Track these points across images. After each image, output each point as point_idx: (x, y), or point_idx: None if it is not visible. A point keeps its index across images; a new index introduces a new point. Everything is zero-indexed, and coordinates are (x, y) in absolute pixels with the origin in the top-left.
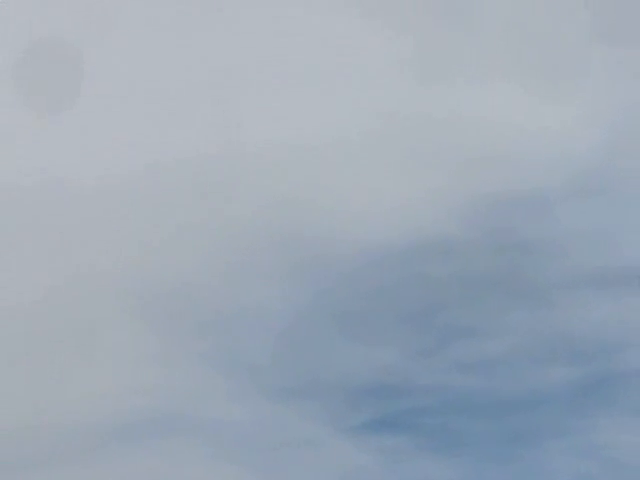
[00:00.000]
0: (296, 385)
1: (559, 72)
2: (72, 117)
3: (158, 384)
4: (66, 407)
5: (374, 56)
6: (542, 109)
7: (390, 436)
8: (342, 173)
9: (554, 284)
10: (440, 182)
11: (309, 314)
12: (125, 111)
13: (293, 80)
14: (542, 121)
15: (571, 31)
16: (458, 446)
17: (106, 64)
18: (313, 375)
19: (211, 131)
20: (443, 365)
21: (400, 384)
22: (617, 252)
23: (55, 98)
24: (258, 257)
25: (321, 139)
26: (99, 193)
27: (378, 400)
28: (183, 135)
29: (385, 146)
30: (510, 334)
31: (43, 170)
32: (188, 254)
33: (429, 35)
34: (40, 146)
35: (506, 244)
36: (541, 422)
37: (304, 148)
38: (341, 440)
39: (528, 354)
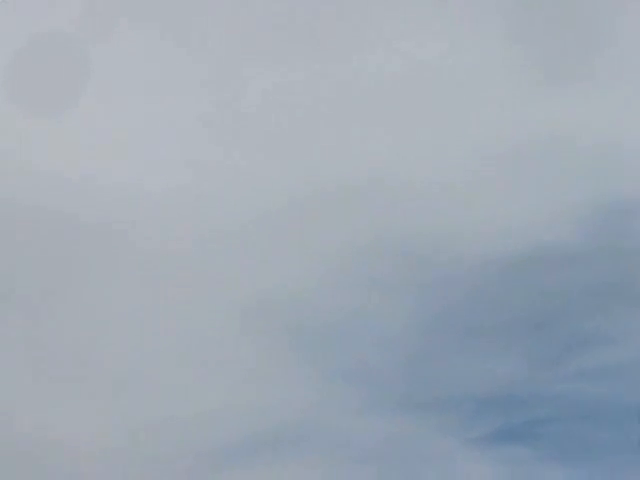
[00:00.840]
0: (421, 398)
1: None
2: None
3: (288, 399)
4: (178, 427)
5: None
6: None
7: (515, 446)
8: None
9: None
10: (559, 190)
11: (432, 327)
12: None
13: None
14: None
15: None
16: (583, 455)
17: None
18: (437, 388)
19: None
20: (567, 374)
21: (524, 394)
22: None
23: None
24: (380, 272)
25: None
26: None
27: (502, 411)
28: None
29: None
30: (634, 341)
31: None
32: (325, 274)
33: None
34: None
35: (627, 250)
36: None
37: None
38: (466, 452)
39: None
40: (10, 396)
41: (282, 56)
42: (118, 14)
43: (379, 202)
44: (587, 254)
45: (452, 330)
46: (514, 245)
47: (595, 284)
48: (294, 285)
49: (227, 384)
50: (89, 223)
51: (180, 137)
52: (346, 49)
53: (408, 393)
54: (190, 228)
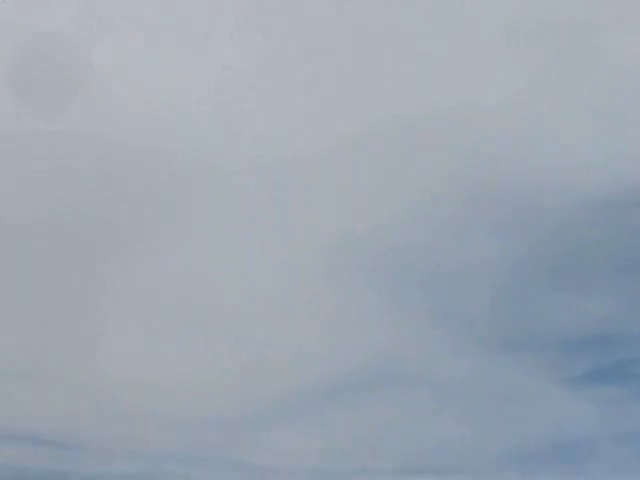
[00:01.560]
0: (515, 338)
1: None
2: None
3: (382, 340)
4: (286, 363)
5: None
6: None
7: (607, 386)
8: (554, 126)
9: None
10: None
11: (526, 267)
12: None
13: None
14: None
15: None
16: None
17: None
18: (531, 328)
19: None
20: None
21: (617, 334)
22: None
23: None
24: (475, 212)
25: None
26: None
27: (595, 351)
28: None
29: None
30: None
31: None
32: (407, 211)
33: None
34: None
35: None
36: None
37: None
38: (559, 392)
39: None
40: (116, 341)
41: None
42: None
43: (465, 132)
44: None
45: (542, 270)
46: (607, 184)
47: None
48: (377, 223)
49: (314, 325)
50: (185, 161)
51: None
52: None
53: (497, 334)
54: (275, 164)
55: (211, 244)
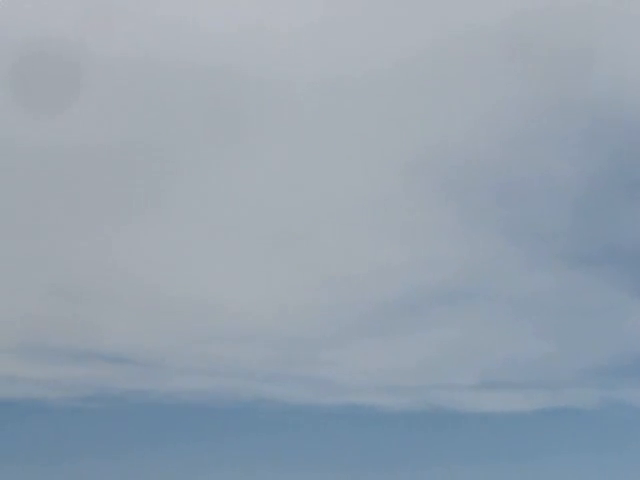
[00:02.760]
0: (593, 251)
1: None
2: None
3: (457, 255)
4: (365, 280)
5: None
6: None
7: None
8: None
9: None
10: None
11: (604, 180)
12: None
13: None
14: None
15: None
16: None
17: None
18: (610, 241)
19: None
20: None
21: None
22: None
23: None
24: (553, 126)
25: None
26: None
27: None
28: None
29: None
30: None
31: None
32: (482, 127)
33: None
34: None
35: None
36: None
37: None
38: (635, 305)
39: None
40: (194, 262)
41: None
42: None
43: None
44: None
45: (620, 183)
46: None
47: None
48: (453, 139)
49: (392, 242)
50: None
51: None
52: None
53: (575, 247)
54: (346, 81)
55: (286, 163)
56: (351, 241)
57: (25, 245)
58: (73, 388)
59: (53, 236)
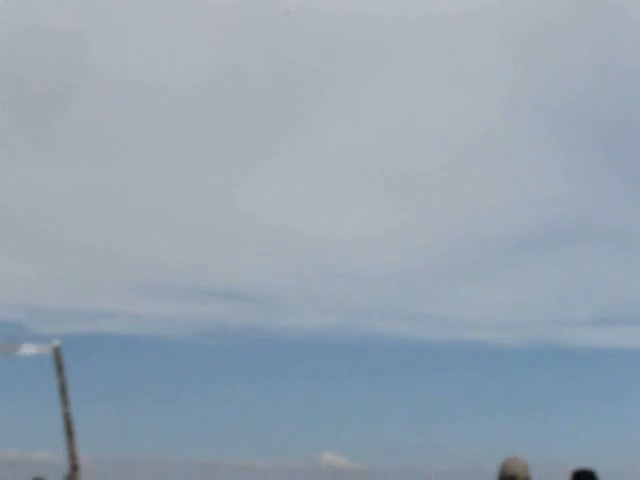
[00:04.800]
0: None
1: None
2: None
3: (571, 193)
4: (481, 218)
5: None
6: None
7: None
8: None
9: None
10: None
11: None
12: None
13: None
14: None
15: None
16: None
17: None
18: None
19: None
20: None
21: None
22: None
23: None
24: None
25: None
26: None
27: None
28: None
29: None
30: None
31: None
32: (585, 66)
33: None
34: None
35: None
36: None
37: None
38: None
39: None
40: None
41: None
42: None
43: None
44: None
45: None
46: None
47: None
48: (556, 77)
49: (508, 178)
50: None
51: None
52: None
53: None
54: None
55: (402, 103)
56: (465, 179)
57: (149, 188)
58: (191, 325)
59: (176, 178)
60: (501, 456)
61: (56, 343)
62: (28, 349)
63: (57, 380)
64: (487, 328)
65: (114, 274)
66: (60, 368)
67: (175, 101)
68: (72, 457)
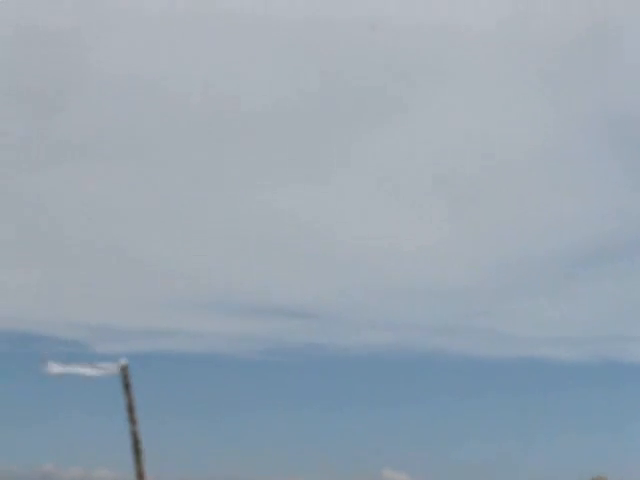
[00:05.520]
0: None
1: None
2: None
3: (626, 208)
4: (540, 232)
5: None
6: None
7: None
8: None
9: None
10: None
11: None
12: None
13: None
14: None
15: None
16: None
17: None
18: None
19: None
20: None
21: None
22: None
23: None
24: None
25: None
26: None
27: None
28: None
29: None
30: None
31: None
32: None
33: None
34: None
35: None
36: None
37: None
38: None
39: None
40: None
41: None
42: None
43: None
44: None
45: None
46: None
47: None
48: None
49: (566, 193)
50: None
51: None
52: None
53: None
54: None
55: (460, 114)
56: (525, 192)
57: (212, 207)
58: (254, 342)
59: (237, 196)
60: (567, 473)
61: (124, 362)
62: (97, 369)
63: (124, 399)
64: (548, 344)
65: (177, 292)
66: (127, 387)
67: (246, 119)
68: (139, 475)
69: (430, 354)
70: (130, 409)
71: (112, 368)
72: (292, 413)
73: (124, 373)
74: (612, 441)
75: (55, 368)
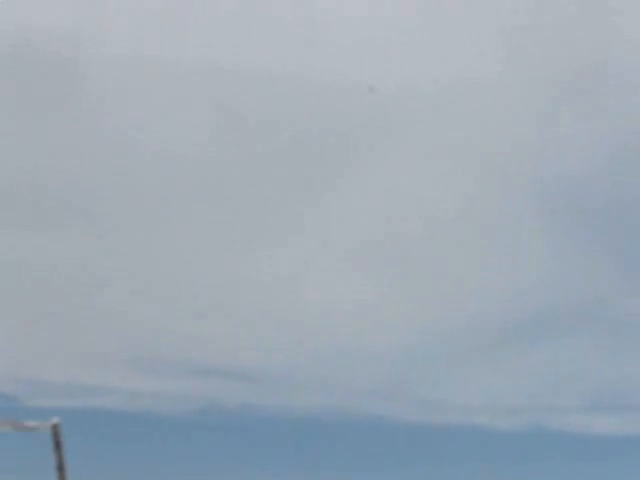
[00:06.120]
0: None
1: None
2: None
3: (566, 277)
4: (477, 301)
5: None
6: None
7: None
8: None
9: None
10: None
11: None
12: None
13: None
14: None
15: None
16: None
17: None
18: None
19: None
20: None
21: None
22: None
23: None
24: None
25: None
26: None
27: None
28: None
29: None
30: None
31: None
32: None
33: None
34: None
35: None
36: None
37: None
38: None
39: None
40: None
41: None
42: None
43: None
44: None
45: None
46: None
47: None
48: (587, 168)
49: (501, 263)
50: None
51: None
52: None
53: None
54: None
55: (400, 179)
56: (462, 261)
57: (150, 261)
58: (192, 401)
59: (176, 250)
60: None
61: (55, 420)
62: (26, 426)
63: (55, 457)
64: (484, 412)
65: (112, 348)
66: (58, 445)
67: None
68: None
69: (367, 417)
70: (60, 469)
71: (42, 426)
72: (226, 475)
73: (55, 431)
74: None
75: None
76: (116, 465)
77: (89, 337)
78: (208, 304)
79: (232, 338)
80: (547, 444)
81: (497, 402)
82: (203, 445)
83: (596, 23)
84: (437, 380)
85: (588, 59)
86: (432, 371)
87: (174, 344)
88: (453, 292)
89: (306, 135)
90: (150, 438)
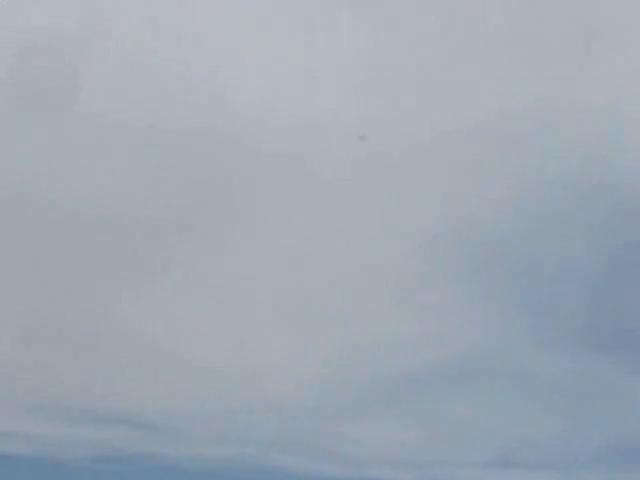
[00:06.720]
0: (608, 335)
1: None
2: None
3: (471, 331)
4: (378, 354)
5: None
6: None
7: None
8: None
9: None
10: None
11: (621, 264)
12: None
13: None
14: None
15: None
16: None
17: None
18: (626, 326)
19: None
20: None
21: None
22: None
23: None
24: (570, 207)
25: None
26: None
27: None
28: None
29: None
30: None
31: None
32: (499, 204)
33: None
34: None
35: None
36: None
37: None
38: None
39: None
40: (207, 329)
41: None
42: None
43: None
44: None
45: (637, 268)
46: None
47: None
48: (477, 216)
49: (408, 314)
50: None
51: None
52: None
53: (590, 329)
54: (370, 155)
55: (303, 232)
56: (365, 315)
57: (40, 305)
58: (88, 448)
59: (68, 298)
60: None
61: None
62: None
63: None
64: (383, 466)
65: (10, 393)
66: None
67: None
68: None
69: (269, 470)
70: None
71: None
72: None
73: None
74: None
75: None
76: None
77: None
78: (111, 352)
79: (135, 386)
80: None
81: (399, 456)
82: None
83: None
84: (337, 433)
85: None
86: (332, 424)
87: (75, 391)
88: (356, 342)
89: None
90: None
